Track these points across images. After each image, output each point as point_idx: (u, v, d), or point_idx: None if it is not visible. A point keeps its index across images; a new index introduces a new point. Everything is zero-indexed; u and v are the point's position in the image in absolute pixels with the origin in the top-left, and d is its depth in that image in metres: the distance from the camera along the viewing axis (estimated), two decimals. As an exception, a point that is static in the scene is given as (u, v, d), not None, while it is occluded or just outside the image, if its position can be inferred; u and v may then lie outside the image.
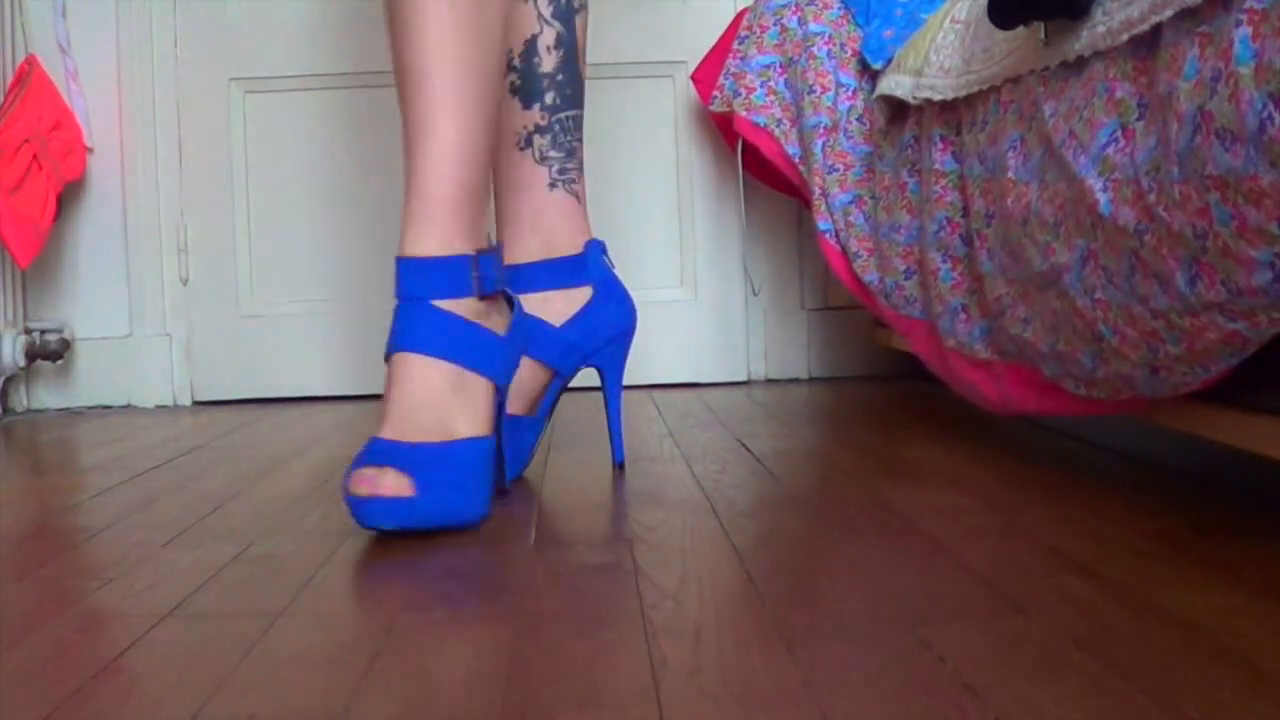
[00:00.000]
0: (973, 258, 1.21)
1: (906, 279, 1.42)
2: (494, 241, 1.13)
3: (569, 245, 1.25)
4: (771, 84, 1.81)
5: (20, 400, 2.11)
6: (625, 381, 2.17)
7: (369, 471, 0.96)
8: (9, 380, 2.04)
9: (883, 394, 1.92)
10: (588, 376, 1.31)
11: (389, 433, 0.99)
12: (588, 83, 1.31)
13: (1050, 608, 0.72)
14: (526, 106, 1.25)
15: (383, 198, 2.09)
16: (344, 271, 2.13)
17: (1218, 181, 0.71)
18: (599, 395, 2.02)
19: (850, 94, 1.66)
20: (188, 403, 2.15)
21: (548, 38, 1.24)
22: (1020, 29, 1.02)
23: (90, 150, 2.10)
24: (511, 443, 1.18)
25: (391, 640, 0.71)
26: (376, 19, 1.96)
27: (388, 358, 1.03)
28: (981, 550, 0.87)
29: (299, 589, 0.83)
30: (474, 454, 1.00)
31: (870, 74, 1.62)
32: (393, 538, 0.97)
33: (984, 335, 1.23)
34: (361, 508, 0.96)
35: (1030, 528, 0.94)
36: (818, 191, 1.67)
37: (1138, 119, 0.84)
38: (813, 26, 1.72)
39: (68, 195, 2.06)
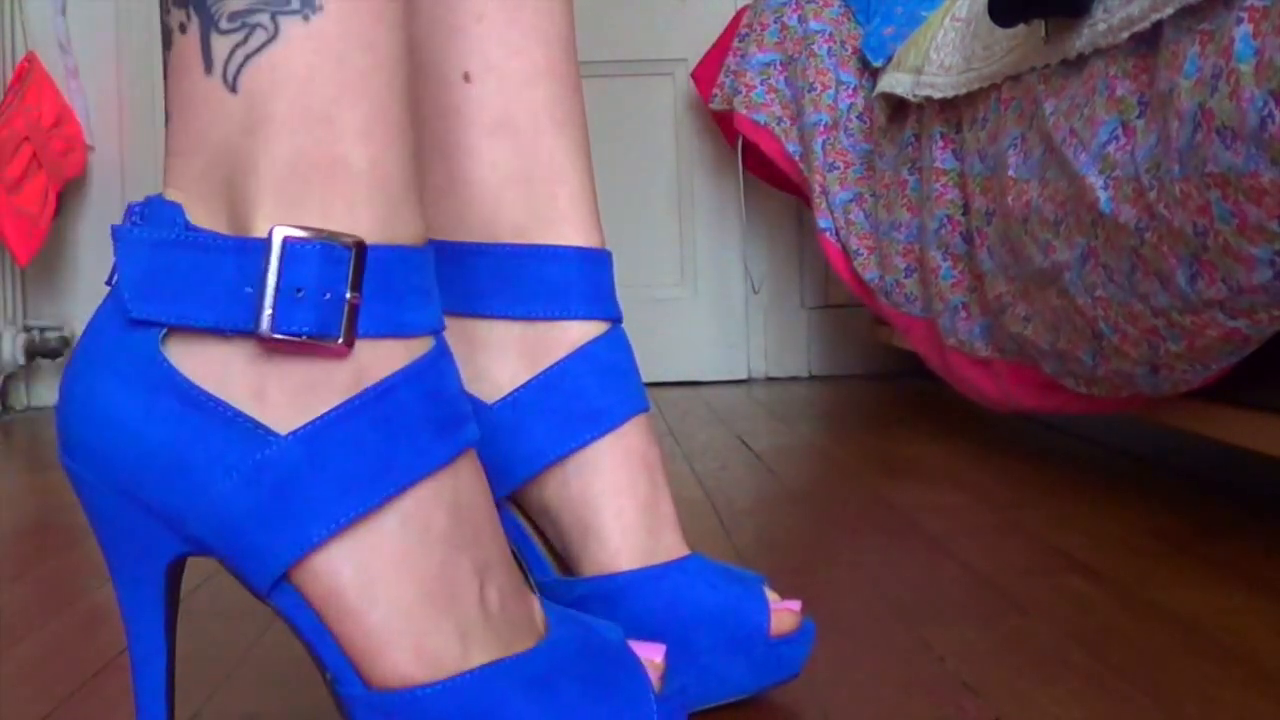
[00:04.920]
0: (973, 256, 1.20)
1: (907, 277, 1.42)
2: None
3: None
4: (772, 82, 1.81)
5: (20, 398, 2.10)
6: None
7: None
8: (9, 378, 2.04)
9: (883, 392, 1.92)
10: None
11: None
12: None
13: (1050, 608, 0.72)
14: None
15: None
16: (344, 269, 2.12)
17: (1218, 179, 0.71)
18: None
19: (850, 92, 1.66)
20: (188, 400, 2.15)
21: None
22: (1021, 26, 1.02)
23: (90, 148, 2.10)
24: None
25: (391, 639, 0.71)
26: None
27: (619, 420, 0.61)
28: (981, 549, 0.87)
29: (298, 588, 0.83)
30: None
31: (871, 71, 1.62)
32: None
33: (984, 333, 1.23)
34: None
35: (1030, 527, 0.94)
36: (818, 189, 1.66)
37: (1138, 116, 0.83)
38: (813, 24, 1.72)
39: (68, 193, 2.06)
